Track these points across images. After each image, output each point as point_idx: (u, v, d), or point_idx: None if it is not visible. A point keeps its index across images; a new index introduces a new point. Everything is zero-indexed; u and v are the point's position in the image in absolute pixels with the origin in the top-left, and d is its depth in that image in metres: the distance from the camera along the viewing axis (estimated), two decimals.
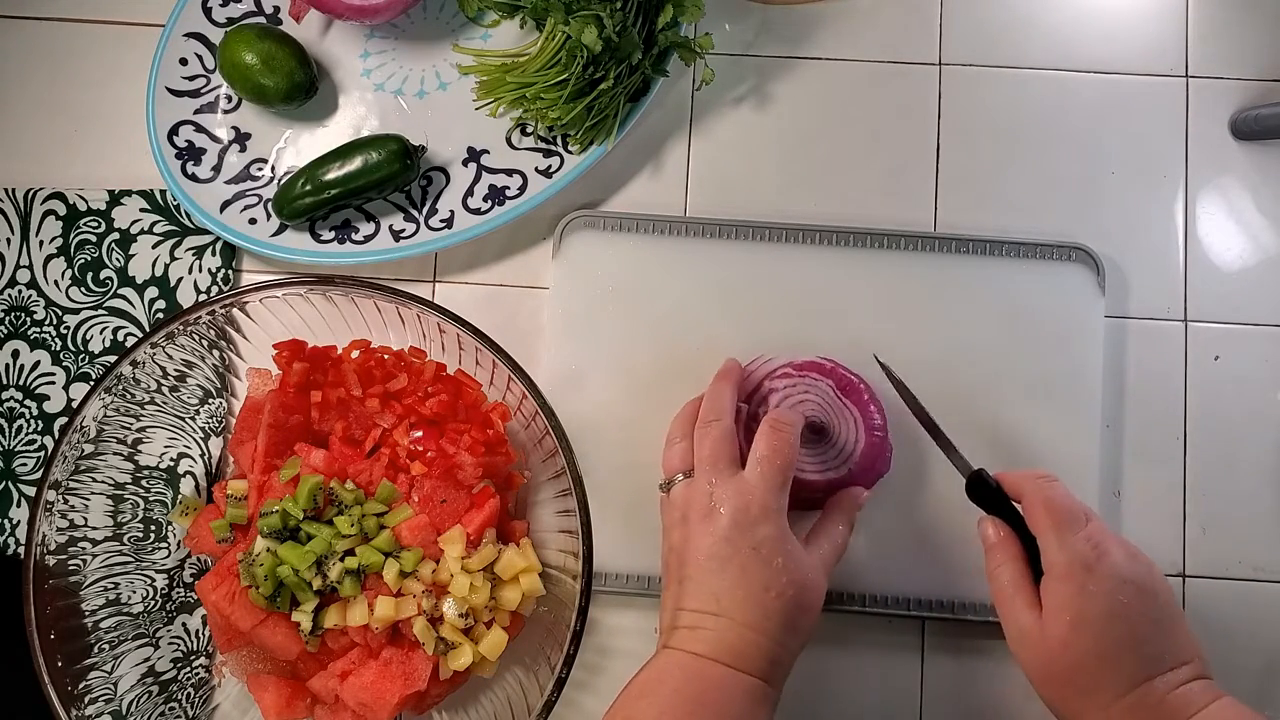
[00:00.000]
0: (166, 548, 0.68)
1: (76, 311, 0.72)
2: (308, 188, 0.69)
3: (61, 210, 0.73)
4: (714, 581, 0.57)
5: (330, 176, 0.68)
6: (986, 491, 0.60)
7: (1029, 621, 0.55)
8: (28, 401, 0.72)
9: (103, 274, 0.72)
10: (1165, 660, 0.53)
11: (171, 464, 0.69)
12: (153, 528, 0.68)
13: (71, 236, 0.73)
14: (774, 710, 0.57)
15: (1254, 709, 0.52)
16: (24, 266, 0.73)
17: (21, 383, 0.72)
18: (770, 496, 0.58)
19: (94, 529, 0.65)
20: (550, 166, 0.71)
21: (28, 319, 0.72)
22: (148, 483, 0.68)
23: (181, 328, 0.64)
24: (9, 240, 0.73)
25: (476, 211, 0.71)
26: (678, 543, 0.59)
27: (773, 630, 0.56)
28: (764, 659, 0.56)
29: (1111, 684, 0.53)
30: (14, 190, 0.73)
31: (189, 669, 0.68)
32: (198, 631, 0.69)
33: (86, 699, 0.61)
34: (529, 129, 0.71)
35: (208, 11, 0.73)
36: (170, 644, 0.68)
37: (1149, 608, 0.54)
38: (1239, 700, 0.53)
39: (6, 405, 0.72)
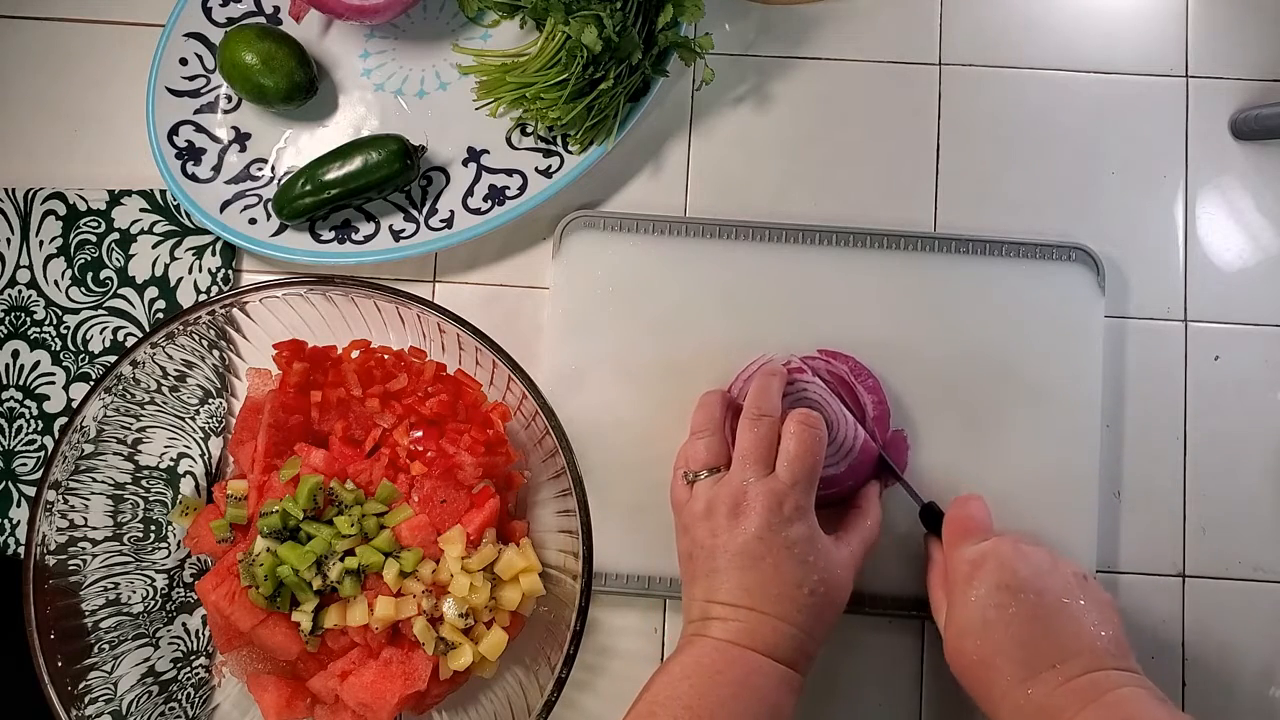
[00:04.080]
0: (166, 548, 0.68)
1: (76, 311, 0.72)
2: (308, 188, 0.69)
3: (61, 210, 0.73)
4: (746, 577, 0.58)
5: (330, 176, 0.68)
6: (936, 519, 0.65)
7: (943, 635, 0.60)
8: (28, 401, 0.72)
9: (103, 274, 0.72)
10: (1050, 656, 0.55)
11: (171, 464, 0.69)
12: (153, 528, 0.68)
13: (71, 236, 0.73)
14: (799, 696, 0.59)
15: (1252, 709, 0.52)
16: (24, 266, 0.73)
17: (21, 383, 0.72)
18: (801, 495, 0.60)
19: (94, 529, 0.65)
20: (550, 166, 0.71)
21: (28, 319, 0.72)
22: (148, 483, 0.68)
23: (181, 328, 0.64)
24: (9, 240, 0.73)
25: (476, 211, 0.71)
26: (705, 538, 0.60)
27: (803, 623, 0.58)
28: (795, 649, 0.58)
29: (997, 684, 0.55)
30: (14, 190, 0.73)
31: (189, 669, 0.68)
32: (198, 631, 0.69)
33: (86, 699, 0.61)
34: (529, 129, 0.71)
35: (208, 11, 0.73)
36: (170, 644, 0.68)
37: (1025, 608, 0.56)
38: (1148, 688, 0.53)
39: (6, 405, 0.72)
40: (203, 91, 0.72)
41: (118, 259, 0.73)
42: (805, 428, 0.61)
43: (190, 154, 0.71)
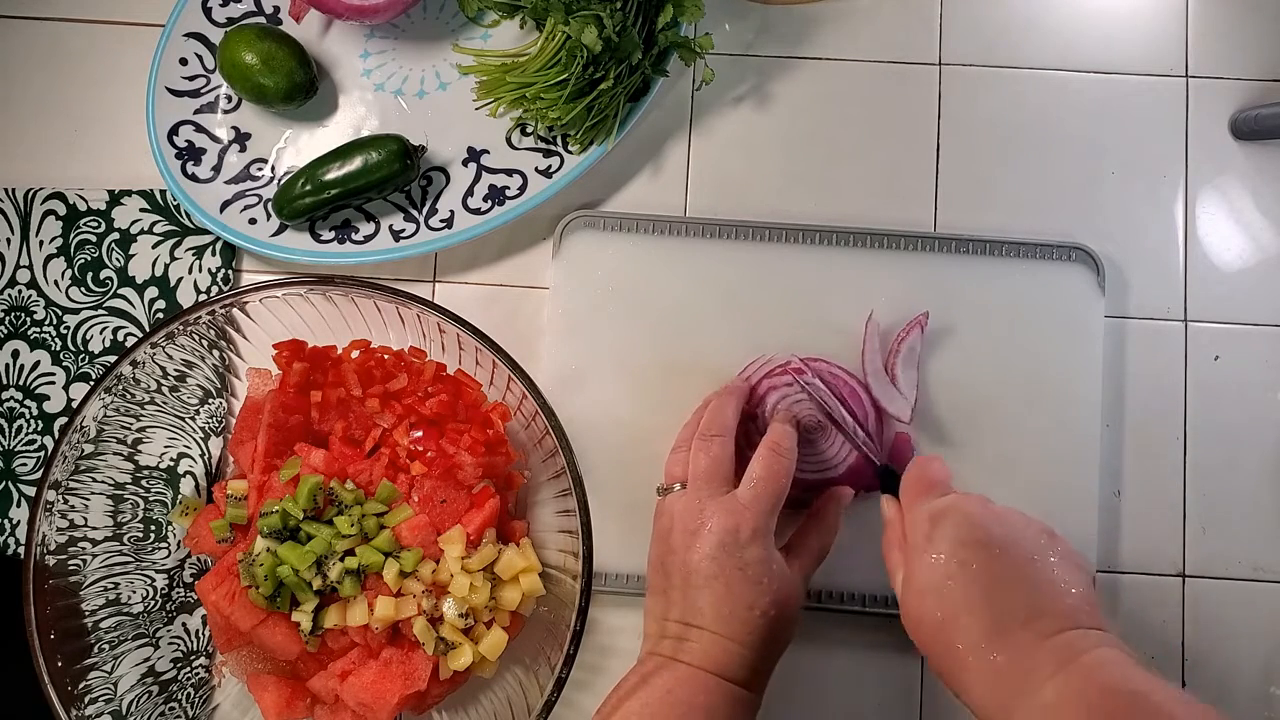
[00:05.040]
0: (166, 548, 0.68)
1: (76, 311, 0.72)
2: (308, 188, 0.69)
3: (61, 210, 0.73)
4: (699, 596, 0.58)
5: (330, 176, 0.68)
6: (894, 481, 0.62)
7: (899, 597, 0.56)
8: (28, 401, 0.72)
9: (103, 274, 0.72)
10: (1019, 614, 0.51)
11: (171, 464, 0.69)
12: (153, 528, 0.68)
13: (71, 236, 0.73)
14: (755, 714, 0.58)
15: (1252, 709, 0.50)
16: (24, 266, 0.73)
17: (21, 383, 0.72)
18: (760, 519, 0.59)
19: (94, 529, 0.65)
20: (550, 166, 0.71)
21: (28, 319, 0.72)
22: (148, 483, 0.68)
23: (181, 328, 0.64)
24: (9, 240, 0.73)
25: (476, 211, 0.71)
26: (665, 553, 0.60)
27: (755, 643, 0.57)
28: (746, 669, 0.57)
29: (960, 645, 0.51)
30: (14, 190, 0.73)
31: (189, 669, 0.68)
32: (198, 631, 0.69)
33: (86, 699, 0.61)
34: (529, 129, 0.71)
35: (208, 11, 0.73)
36: (170, 644, 0.68)
37: (991, 565, 0.52)
38: (1122, 649, 0.49)
39: (6, 405, 0.72)
40: (203, 91, 0.72)
41: (118, 259, 0.73)
42: (774, 453, 0.61)
43: (190, 154, 0.71)
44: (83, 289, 0.72)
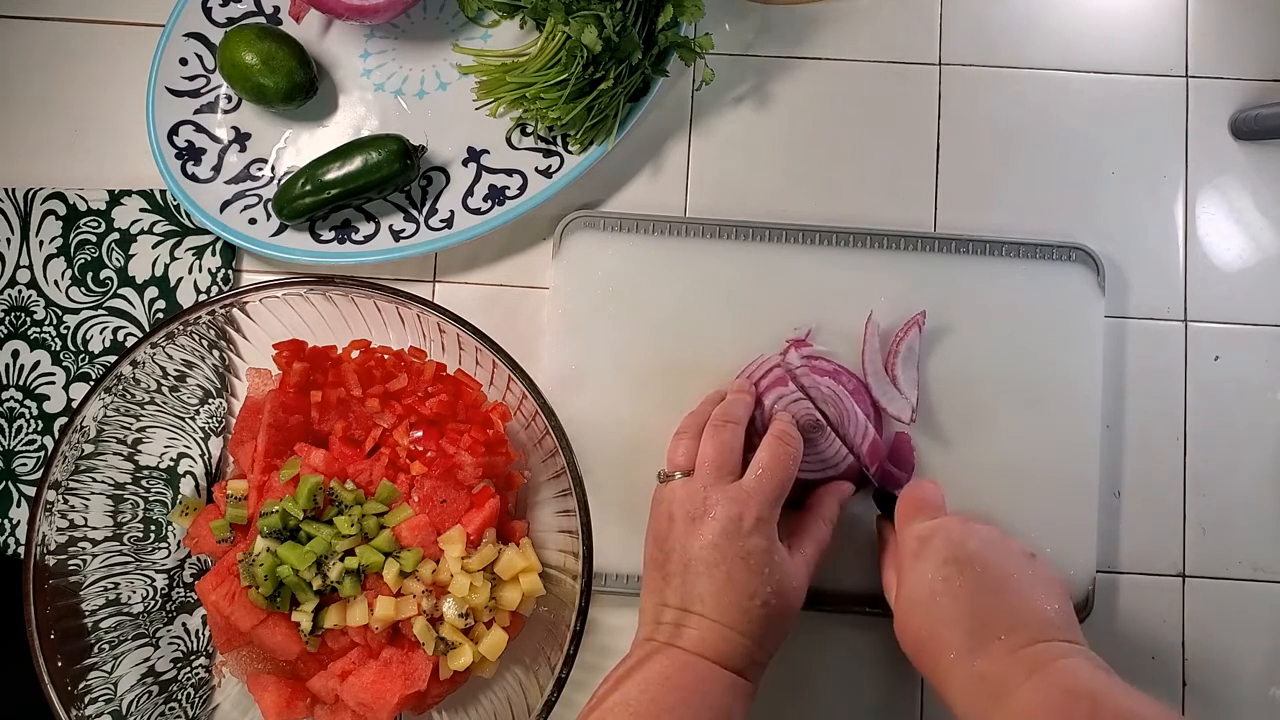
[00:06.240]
0: (166, 548, 0.68)
1: (76, 311, 0.72)
2: (308, 188, 0.69)
3: (61, 210, 0.73)
4: (700, 584, 0.58)
5: (330, 176, 0.68)
6: (890, 502, 0.65)
7: (894, 611, 0.60)
8: (28, 401, 0.72)
9: (103, 274, 0.72)
10: (996, 627, 0.55)
11: (171, 464, 0.69)
12: (153, 528, 0.68)
13: (71, 236, 0.73)
14: (751, 703, 0.58)
15: (1252, 709, 0.52)
16: (24, 266, 0.73)
17: (21, 383, 0.72)
18: (765, 508, 0.59)
19: (94, 529, 0.65)
20: (550, 166, 0.71)
21: (28, 319, 0.72)
22: (148, 483, 0.68)
23: (181, 328, 0.64)
24: (9, 240, 0.73)
25: (476, 211, 0.71)
26: (665, 538, 0.60)
27: (754, 633, 0.57)
28: (745, 658, 0.57)
29: (944, 657, 0.55)
30: (14, 190, 0.73)
31: (189, 669, 0.68)
32: (198, 631, 0.69)
33: (86, 699, 0.62)
34: (529, 129, 0.71)
35: (208, 11, 0.73)
36: (170, 644, 0.68)
37: (972, 581, 0.56)
38: (1091, 659, 0.53)
39: (6, 405, 0.72)
40: (203, 91, 0.72)
41: (118, 259, 0.73)
42: (780, 442, 0.61)
43: (190, 154, 0.71)
44: (83, 289, 0.72)
